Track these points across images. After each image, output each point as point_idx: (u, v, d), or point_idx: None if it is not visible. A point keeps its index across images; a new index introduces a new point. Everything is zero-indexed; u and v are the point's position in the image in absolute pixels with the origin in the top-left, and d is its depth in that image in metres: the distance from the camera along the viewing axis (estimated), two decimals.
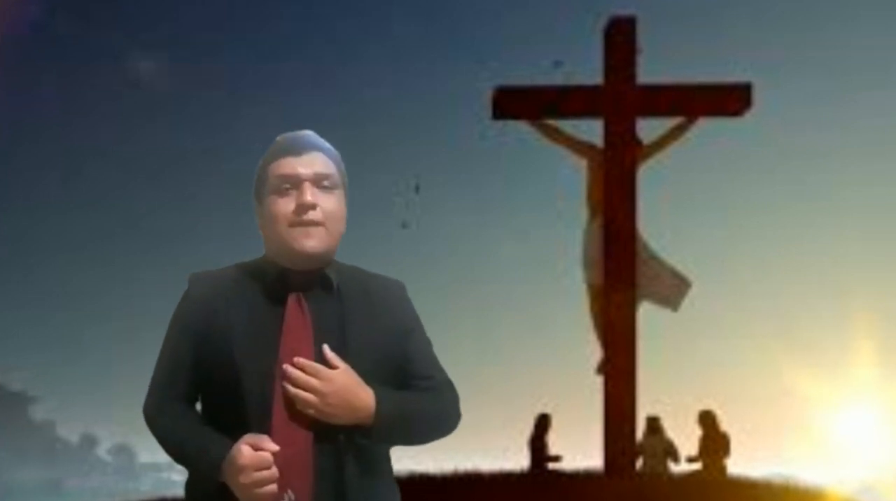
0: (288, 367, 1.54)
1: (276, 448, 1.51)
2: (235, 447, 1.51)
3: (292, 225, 1.57)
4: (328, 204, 1.60)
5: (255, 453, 1.49)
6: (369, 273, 1.72)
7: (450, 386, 1.71)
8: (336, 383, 1.52)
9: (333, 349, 1.57)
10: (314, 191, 1.59)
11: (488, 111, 9.16)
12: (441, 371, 1.72)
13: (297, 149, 1.60)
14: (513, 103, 9.09)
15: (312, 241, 1.57)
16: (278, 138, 1.65)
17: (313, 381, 1.52)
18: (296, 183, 1.59)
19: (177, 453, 1.62)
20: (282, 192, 1.59)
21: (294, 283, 1.62)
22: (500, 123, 9.38)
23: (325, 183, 1.60)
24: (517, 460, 9.87)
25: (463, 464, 8.79)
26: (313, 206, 1.57)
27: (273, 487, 1.50)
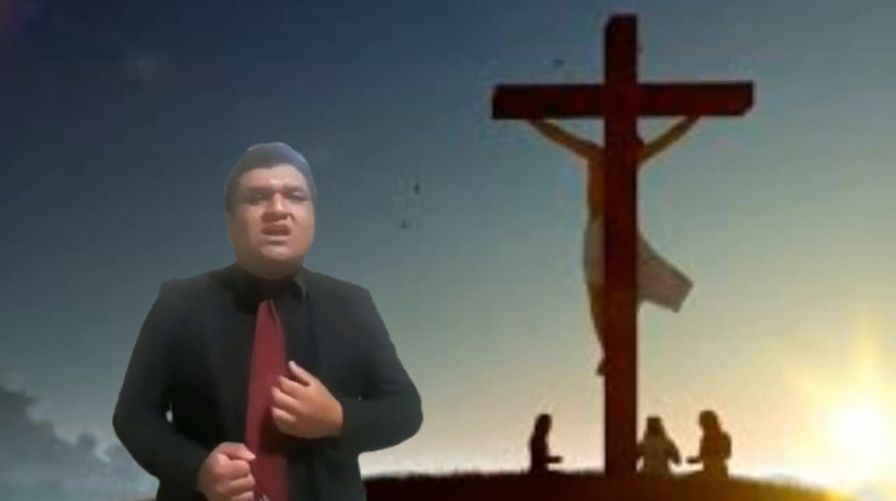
0: (270, 385, 1.57)
1: (251, 456, 1.53)
2: (211, 456, 1.53)
3: (263, 232, 1.62)
4: (298, 213, 1.64)
5: (231, 462, 1.51)
6: (336, 280, 1.77)
7: (413, 389, 1.78)
8: (313, 403, 1.55)
9: (304, 355, 1.61)
10: (284, 201, 1.63)
11: (488, 110, 9.16)
12: (405, 374, 1.78)
13: (269, 162, 1.65)
14: (513, 102, 9.08)
15: (281, 249, 1.62)
16: (250, 149, 1.70)
17: (291, 401, 1.54)
18: (267, 193, 1.63)
19: (149, 462, 1.63)
20: (253, 202, 1.63)
21: (264, 291, 1.66)
22: (501, 123, 9.38)
23: (296, 193, 1.65)
24: (517, 461, 9.88)
25: (463, 465, 8.81)
26: (284, 215, 1.62)
27: (249, 495, 1.52)
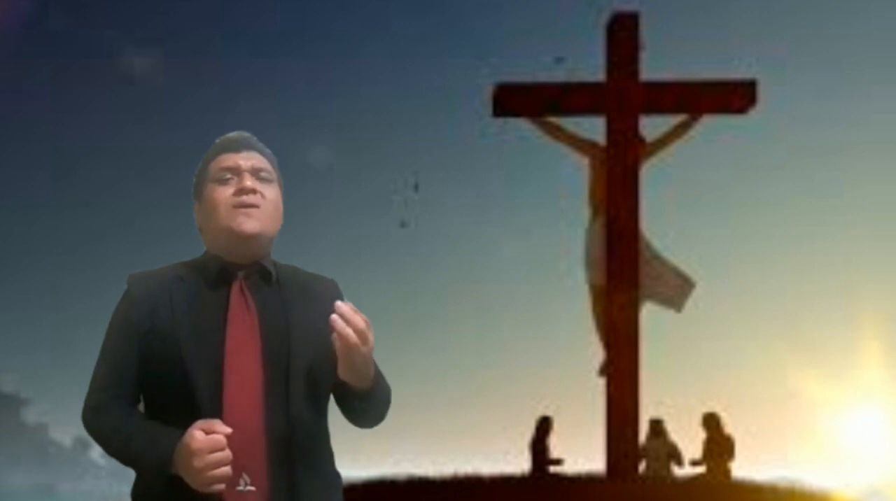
0: (348, 313, 1.54)
1: (228, 430, 1.53)
2: (187, 433, 1.52)
3: (233, 207, 1.65)
4: (267, 191, 1.68)
5: (207, 436, 1.51)
6: (305, 271, 1.80)
7: (382, 375, 1.78)
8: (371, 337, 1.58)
9: (277, 335, 1.63)
10: (253, 180, 1.67)
11: (489, 108, 9.16)
12: (373, 362, 1.79)
13: (236, 147, 1.70)
14: (514, 100, 9.08)
15: (252, 222, 1.64)
16: (217, 140, 1.75)
17: (363, 326, 1.55)
18: (236, 172, 1.67)
19: (123, 451, 1.62)
20: (222, 182, 1.67)
21: (235, 275, 1.68)
22: (501, 121, 9.37)
23: (263, 174, 1.69)
24: (518, 463, 9.92)
25: (463, 467, 8.82)
26: (253, 191, 1.65)
27: (228, 469, 1.52)
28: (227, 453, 1.52)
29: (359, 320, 1.54)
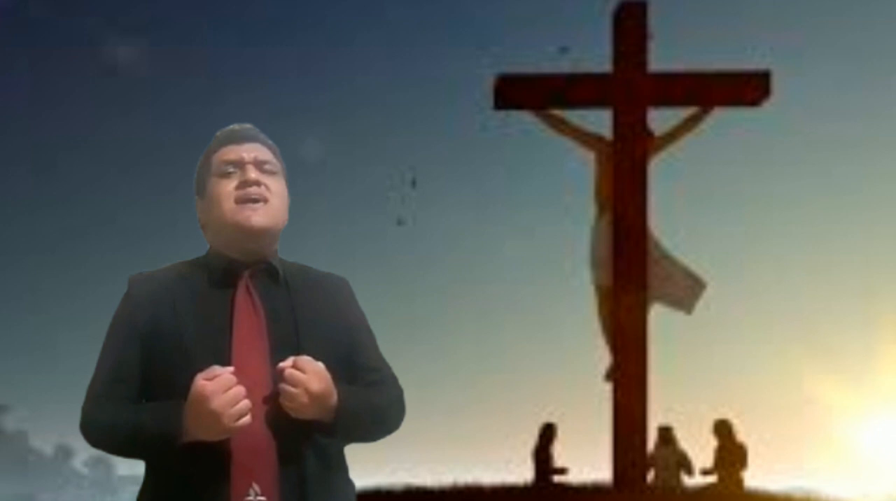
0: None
1: (231, 369, 1.53)
2: (193, 386, 1.52)
3: (238, 201, 1.65)
4: (272, 184, 1.69)
5: (215, 380, 1.51)
6: (313, 269, 1.80)
7: (396, 380, 1.79)
8: (324, 381, 1.57)
9: (285, 336, 1.63)
10: (258, 172, 1.68)
11: (490, 100, 9.17)
12: (387, 365, 1.80)
13: (238, 139, 1.71)
14: (516, 92, 9.09)
15: (258, 217, 1.64)
16: (218, 133, 1.75)
17: (303, 377, 1.55)
18: (239, 165, 1.68)
19: (130, 436, 1.59)
20: (225, 176, 1.68)
21: (240, 273, 1.68)
22: (503, 113, 9.39)
23: (267, 166, 1.69)
24: (521, 472, 9.94)
25: (463, 477, 8.86)
26: (257, 183, 1.66)
27: (248, 403, 1.53)
28: (241, 388, 1.52)
29: (294, 376, 1.55)
